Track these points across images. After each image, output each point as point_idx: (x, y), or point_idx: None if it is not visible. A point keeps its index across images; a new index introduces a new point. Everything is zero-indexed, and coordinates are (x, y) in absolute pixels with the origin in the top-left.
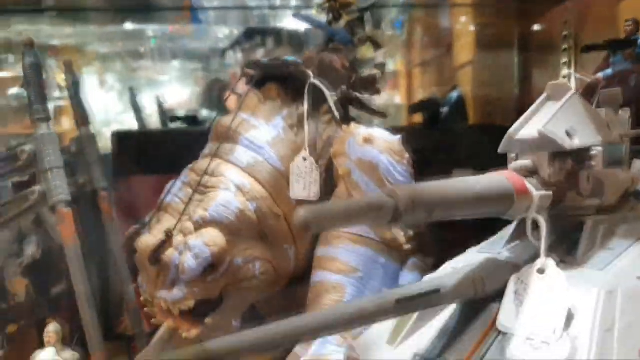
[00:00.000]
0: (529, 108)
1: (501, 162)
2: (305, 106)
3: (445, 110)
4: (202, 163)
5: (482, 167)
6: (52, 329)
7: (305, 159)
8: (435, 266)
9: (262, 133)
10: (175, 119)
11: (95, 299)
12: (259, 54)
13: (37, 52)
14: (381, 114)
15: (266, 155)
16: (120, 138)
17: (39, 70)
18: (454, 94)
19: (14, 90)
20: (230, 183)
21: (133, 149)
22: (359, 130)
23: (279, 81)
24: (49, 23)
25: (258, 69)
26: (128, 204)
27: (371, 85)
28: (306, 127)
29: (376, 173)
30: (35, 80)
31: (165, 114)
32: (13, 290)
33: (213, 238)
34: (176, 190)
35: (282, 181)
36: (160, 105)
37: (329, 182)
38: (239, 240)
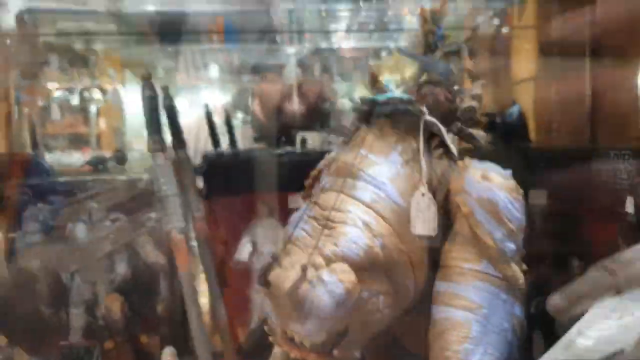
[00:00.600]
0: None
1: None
2: (421, 142)
3: (504, 127)
4: (326, 197)
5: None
6: (168, 352)
7: (423, 195)
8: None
9: (382, 169)
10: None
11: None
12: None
13: (154, 85)
14: (484, 146)
15: (388, 191)
16: (211, 159)
17: (155, 103)
18: (514, 110)
19: None
20: (357, 219)
21: (222, 169)
22: (475, 166)
23: (389, 116)
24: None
25: (372, 106)
26: (216, 224)
27: (471, 117)
28: (422, 163)
29: (496, 210)
30: (152, 112)
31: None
32: (108, 306)
33: (346, 274)
34: (302, 224)
35: (404, 217)
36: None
37: (444, 216)
38: (366, 275)
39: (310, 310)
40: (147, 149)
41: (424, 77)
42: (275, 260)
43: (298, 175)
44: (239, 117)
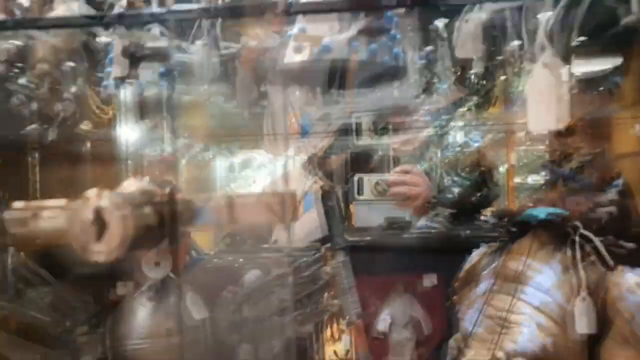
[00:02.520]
0: None
1: None
2: (578, 253)
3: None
4: (499, 300)
5: None
6: None
7: (584, 299)
8: None
9: (546, 277)
10: None
11: None
12: None
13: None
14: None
15: (553, 296)
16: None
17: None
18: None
19: None
20: (531, 321)
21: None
22: (629, 275)
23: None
24: None
25: (531, 220)
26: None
27: (614, 223)
28: (581, 271)
29: None
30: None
31: None
32: None
33: None
34: (479, 322)
35: (568, 318)
36: None
37: (601, 316)
38: None
39: None
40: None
41: (562, 188)
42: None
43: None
44: None
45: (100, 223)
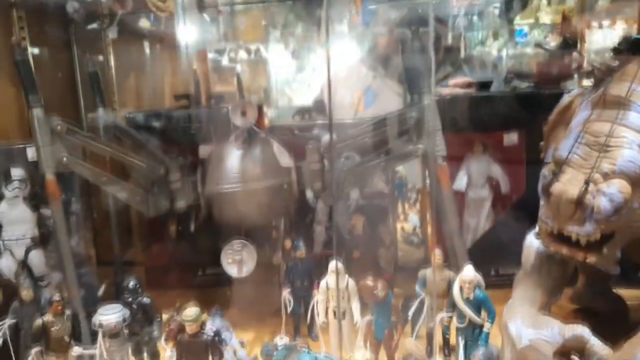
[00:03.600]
0: None
1: None
2: None
3: None
4: (598, 126)
5: None
6: None
7: None
8: None
9: None
10: None
11: None
12: None
13: None
14: None
15: None
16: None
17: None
18: None
19: None
20: (632, 142)
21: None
22: None
23: None
24: None
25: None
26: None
27: None
28: None
29: None
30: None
31: None
32: (354, 224)
33: (624, 186)
34: (575, 149)
35: None
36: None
37: None
38: (637, 189)
39: (592, 214)
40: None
41: None
42: (555, 177)
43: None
44: None
45: None
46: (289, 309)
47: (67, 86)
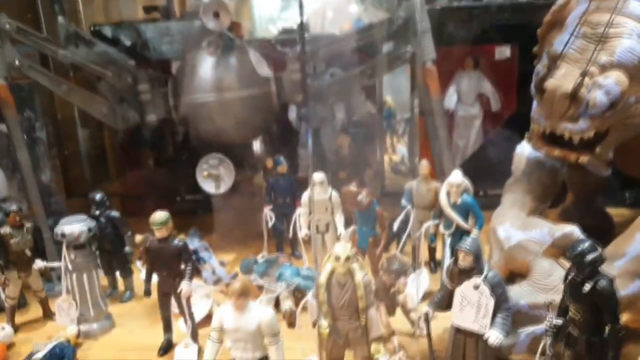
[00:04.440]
0: None
1: None
2: None
3: None
4: (597, 17)
5: None
6: None
7: None
8: None
9: None
10: None
11: None
12: None
13: None
14: None
15: None
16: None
17: None
18: None
19: None
20: (632, 32)
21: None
22: None
23: None
24: None
25: None
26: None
27: None
28: None
29: None
30: None
31: None
32: (339, 144)
33: (620, 78)
34: (570, 44)
35: None
36: None
37: None
38: (634, 83)
39: (587, 109)
40: None
41: None
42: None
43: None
44: None
45: None
46: (270, 225)
47: None
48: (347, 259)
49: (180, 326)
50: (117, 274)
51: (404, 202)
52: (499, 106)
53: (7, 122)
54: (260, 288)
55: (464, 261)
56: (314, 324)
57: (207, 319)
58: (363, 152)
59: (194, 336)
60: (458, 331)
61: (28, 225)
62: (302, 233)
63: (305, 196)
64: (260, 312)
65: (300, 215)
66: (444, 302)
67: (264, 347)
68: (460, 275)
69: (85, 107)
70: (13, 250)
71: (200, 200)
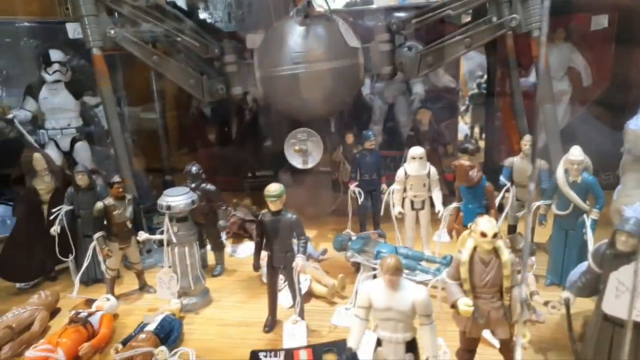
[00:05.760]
0: None
1: None
2: None
3: None
4: None
5: None
6: None
7: None
8: None
9: None
10: None
11: None
12: None
13: None
14: None
15: None
16: None
17: None
18: None
19: None
20: None
21: None
22: None
23: None
24: None
25: None
26: None
27: None
28: None
29: None
30: None
31: None
32: (419, 119)
33: None
34: None
35: None
36: None
37: None
38: None
39: None
40: None
41: None
42: None
43: None
44: None
45: None
46: (359, 202)
47: None
48: (494, 235)
49: (280, 302)
50: (208, 247)
51: (502, 179)
52: (590, 81)
53: (101, 94)
54: (356, 265)
55: (626, 244)
56: (452, 305)
57: (307, 295)
58: (442, 128)
59: (301, 313)
60: (605, 319)
61: (129, 196)
62: (395, 210)
63: (401, 172)
64: (414, 290)
65: (395, 191)
66: (589, 287)
67: (414, 328)
68: (615, 259)
69: (174, 78)
70: (115, 222)
71: (271, 176)
